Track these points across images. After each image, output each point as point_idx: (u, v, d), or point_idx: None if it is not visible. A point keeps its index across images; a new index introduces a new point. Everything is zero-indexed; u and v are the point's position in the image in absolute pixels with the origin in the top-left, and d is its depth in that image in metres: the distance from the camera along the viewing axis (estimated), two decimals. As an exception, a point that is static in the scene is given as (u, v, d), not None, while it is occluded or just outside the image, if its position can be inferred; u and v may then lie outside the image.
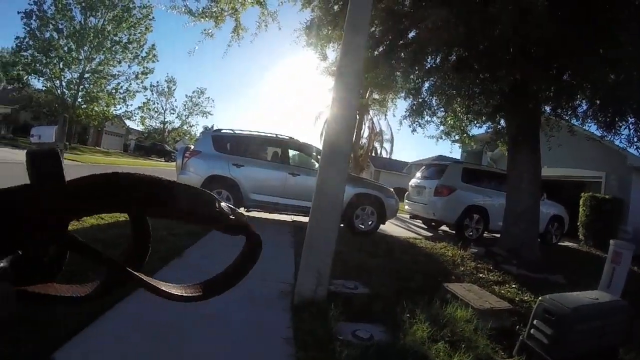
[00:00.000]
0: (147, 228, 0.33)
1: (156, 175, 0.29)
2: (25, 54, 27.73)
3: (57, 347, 2.24)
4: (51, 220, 0.24)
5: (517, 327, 3.67)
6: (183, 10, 7.61)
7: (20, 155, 16.11)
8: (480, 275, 5.51)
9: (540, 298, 3.16)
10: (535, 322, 3.06)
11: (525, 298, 4.62)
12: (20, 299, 0.23)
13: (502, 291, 4.80)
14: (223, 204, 0.32)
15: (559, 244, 10.63)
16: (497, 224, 8.51)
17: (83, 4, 28.19)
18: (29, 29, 27.19)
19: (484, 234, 9.43)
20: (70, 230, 0.26)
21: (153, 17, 31.05)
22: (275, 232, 7.06)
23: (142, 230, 0.33)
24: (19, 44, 27.46)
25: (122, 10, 29.37)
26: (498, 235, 8.30)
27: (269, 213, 8.21)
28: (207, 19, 7.76)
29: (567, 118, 7.54)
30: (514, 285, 5.11)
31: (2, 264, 0.24)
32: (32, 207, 0.23)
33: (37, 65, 27.87)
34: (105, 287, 0.31)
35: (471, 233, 9.15)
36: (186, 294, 0.32)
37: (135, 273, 0.28)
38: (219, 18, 7.80)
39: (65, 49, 28.31)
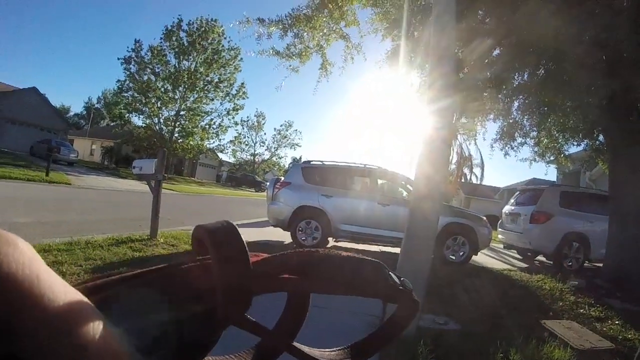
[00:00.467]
0: (307, 304, 0.33)
1: (333, 251, 0.30)
2: (126, 94, 31.70)
3: None
4: (229, 311, 0.23)
5: None
6: (271, 52, 8.10)
7: (121, 183, 18.11)
8: (581, 310, 5.06)
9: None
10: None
11: (629, 336, 4.15)
12: None
13: (605, 328, 4.38)
14: (391, 273, 0.31)
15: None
16: (600, 252, 7.72)
17: (176, 50, 31.40)
18: (128, 72, 30.98)
19: (585, 264, 8.60)
20: None
21: (241, 58, 33.48)
22: None
23: (302, 306, 0.33)
24: (120, 86, 31.49)
25: (212, 52, 32.18)
26: (600, 265, 7.52)
27: (357, 243, 8.24)
28: (294, 57, 8.15)
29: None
30: (617, 322, 4.62)
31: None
32: (212, 295, 0.23)
33: (137, 104, 31.58)
34: (264, 357, 0.32)
35: (570, 263, 8.37)
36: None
37: (297, 346, 0.30)
38: (305, 55, 8.16)
39: (162, 89, 31.79)
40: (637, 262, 6.33)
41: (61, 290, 0.17)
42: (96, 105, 65.33)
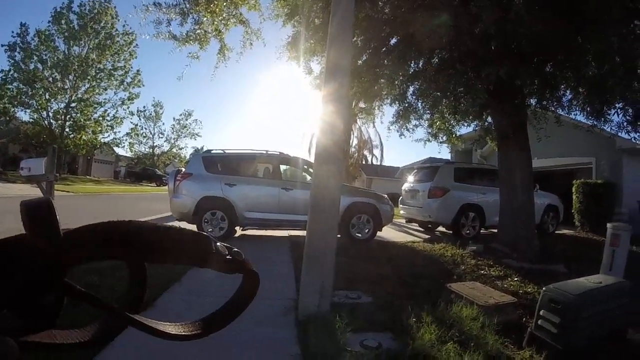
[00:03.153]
0: (144, 273, 0.34)
1: (151, 222, 0.30)
2: (10, 86, 27.86)
3: None
4: (48, 269, 0.24)
5: (524, 319, 3.71)
6: (167, 36, 7.64)
7: (9, 188, 15.96)
8: (482, 272, 5.54)
9: (544, 288, 3.20)
10: (541, 312, 3.10)
11: (529, 290, 4.65)
12: (24, 349, 0.23)
13: (505, 285, 4.83)
14: (219, 244, 0.33)
15: (556, 232, 10.73)
16: (494, 219, 8.58)
17: (66, 34, 28.40)
18: (13, 61, 27.45)
19: (481, 231, 9.48)
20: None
21: (137, 44, 31.20)
22: (273, 248, 7.04)
23: (139, 276, 0.34)
24: (3, 77, 27.64)
25: (105, 37, 29.52)
26: (495, 231, 8.36)
27: (265, 230, 8.22)
28: (191, 42, 7.79)
29: (552, 109, 7.65)
30: (516, 279, 5.14)
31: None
32: (29, 257, 0.24)
33: (23, 97, 28.04)
34: (106, 331, 0.32)
35: (468, 231, 9.20)
36: (185, 333, 0.33)
37: (133, 317, 0.29)
38: (204, 41, 7.84)
39: (50, 79, 28.54)
40: (527, 226, 7.10)
41: None
42: None
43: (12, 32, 29.23)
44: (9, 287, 0.23)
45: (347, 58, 3.95)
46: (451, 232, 9.59)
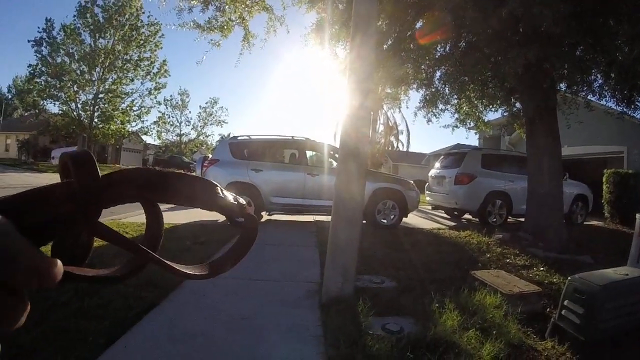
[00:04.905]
0: (160, 216, 0.37)
1: (171, 171, 0.33)
2: (39, 80, 28.49)
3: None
4: (87, 208, 0.28)
5: (548, 309, 3.63)
6: (192, 25, 7.71)
7: (41, 178, 16.63)
8: (507, 260, 5.44)
9: (569, 278, 3.11)
10: (565, 302, 3.02)
11: (554, 280, 4.53)
12: (63, 277, 0.26)
13: (530, 275, 4.73)
14: (225, 191, 0.36)
15: (585, 223, 10.40)
16: (521, 207, 8.38)
17: (91, 27, 28.78)
18: (40, 55, 27.93)
19: (508, 219, 9.30)
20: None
21: (162, 34, 31.53)
22: (299, 233, 7.13)
23: (156, 219, 0.37)
24: (32, 72, 28.30)
25: (130, 29, 29.86)
26: (522, 220, 8.18)
27: (292, 215, 8.29)
28: (215, 31, 7.84)
29: (583, 94, 7.37)
30: (542, 268, 5.02)
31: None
32: (73, 200, 0.27)
33: (52, 90, 28.59)
34: (130, 268, 0.35)
35: (495, 219, 9.06)
36: (196, 273, 0.35)
37: (154, 255, 0.32)
38: (227, 28, 7.88)
39: (78, 72, 29.04)
40: (554, 215, 6.91)
41: None
42: (7, 96, 58.53)
43: (38, 27, 30.32)
44: (55, 223, 0.27)
45: (372, 42, 3.90)
46: (477, 219, 9.45)
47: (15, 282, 0.22)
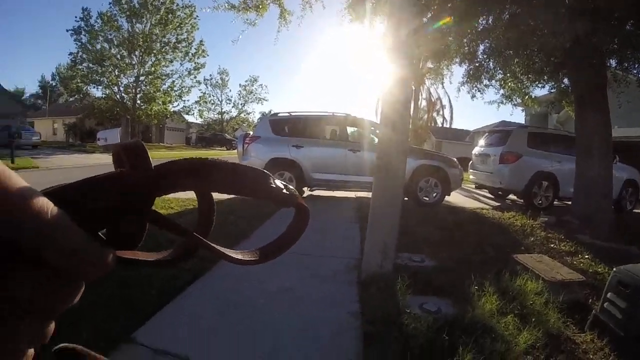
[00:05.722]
0: (212, 204, 0.38)
1: (223, 159, 0.33)
2: (80, 67, 29.91)
3: (138, 327, 2.50)
4: (143, 196, 0.29)
5: (590, 300, 3.45)
6: (226, 7, 7.74)
7: (89, 158, 17.54)
8: (551, 245, 5.22)
9: (614, 269, 2.89)
10: (608, 295, 2.82)
11: (599, 269, 4.28)
12: (115, 261, 0.28)
13: (575, 262, 4.52)
14: (276, 180, 0.36)
15: (634, 210, 9.73)
16: (568, 190, 7.94)
17: (128, 13, 29.67)
18: (80, 43, 29.19)
19: (554, 202, 8.87)
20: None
21: (197, 16, 31.99)
22: (339, 209, 7.21)
23: (208, 205, 0.38)
24: (73, 59, 29.76)
25: (166, 12, 30.52)
26: (569, 203, 7.80)
27: (332, 191, 8.33)
28: (250, 10, 7.83)
29: (635, 72, 6.85)
30: (587, 256, 4.77)
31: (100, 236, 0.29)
32: (125, 190, 0.28)
33: (94, 75, 30.00)
34: (181, 253, 0.36)
35: (540, 201, 8.64)
36: (245, 258, 0.36)
37: (205, 240, 0.33)
38: (262, 7, 7.85)
39: (118, 56, 30.25)
40: (603, 200, 6.53)
41: (21, 181, 0.23)
42: (51, 83, 61.64)
43: (75, 17, 31.19)
44: (108, 212, 0.27)
45: (411, 16, 3.77)
46: (522, 201, 9.08)
47: (71, 271, 0.24)
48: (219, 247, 0.34)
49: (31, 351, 0.26)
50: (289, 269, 3.69)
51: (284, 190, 0.36)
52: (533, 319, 2.80)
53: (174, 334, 2.49)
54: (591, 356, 2.57)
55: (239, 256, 0.35)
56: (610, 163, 6.79)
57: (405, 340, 2.40)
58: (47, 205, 0.23)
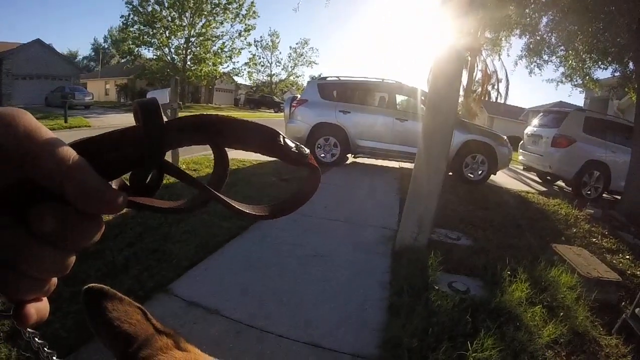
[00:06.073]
0: (226, 158, 0.40)
1: (234, 116, 0.36)
2: (132, 29, 30.51)
3: (174, 279, 2.71)
4: (155, 147, 0.32)
5: (623, 303, 3.33)
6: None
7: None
8: (593, 239, 5.04)
9: (654, 274, 2.82)
10: (641, 301, 2.76)
11: (638, 272, 4.13)
12: (131, 205, 0.32)
13: (614, 261, 4.36)
14: (287, 139, 0.37)
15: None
16: (620, 183, 7.52)
17: None
18: (131, 6, 29.68)
19: (604, 194, 8.46)
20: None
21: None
22: (381, 178, 7.25)
23: (221, 160, 0.39)
24: (124, 22, 30.40)
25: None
26: (619, 197, 7.44)
27: (376, 159, 8.33)
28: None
29: None
30: (627, 256, 4.56)
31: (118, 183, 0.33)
32: (139, 142, 0.31)
33: (145, 37, 30.65)
34: (194, 202, 0.39)
35: (589, 192, 8.24)
36: (257, 213, 0.38)
37: (215, 192, 0.35)
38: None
39: (169, 18, 30.59)
40: None
41: (48, 133, 0.28)
42: (104, 45, 63.58)
43: None
44: (124, 162, 0.32)
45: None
46: (570, 189, 8.72)
47: (86, 208, 0.28)
48: (229, 200, 0.36)
49: (54, 280, 0.31)
50: (325, 234, 3.81)
51: (294, 149, 0.37)
52: (561, 314, 2.77)
53: (207, 288, 2.69)
54: (613, 361, 2.53)
55: (249, 210, 0.38)
56: (669, 160, 6.35)
57: (428, 316, 2.45)
58: (70, 152, 0.27)
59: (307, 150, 0.38)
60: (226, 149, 0.38)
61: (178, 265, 2.87)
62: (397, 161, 8.23)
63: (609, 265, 3.91)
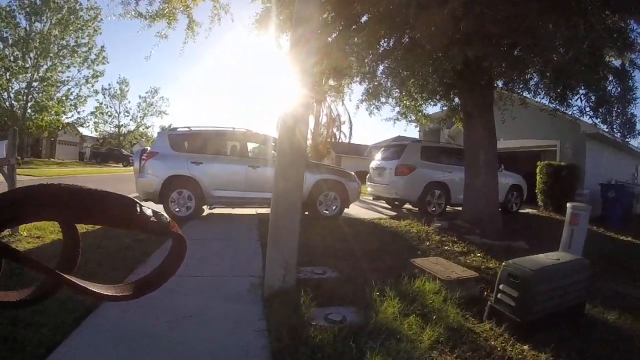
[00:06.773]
0: (76, 235, 0.35)
1: (78, 185, 0.30)
2: None
3: None
4: None
5: (485, 293, 3.87)
6: (133, 14, 7.34)
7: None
8: (446, 247, 5.69)
9: (504, 263, 3.33)
10: (501, 286, 3.23)
11: (491, 265, 4.81)
12: None
13: (468, 261, 4.99)
14: (145, 208, 0.33)
15: (520, 211, 11.11)
16: (459, 197, 8.82)
17: (27, 9, 26.80)
18: None
19: (447, 208, 9.74)
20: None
21: (102, 19, 29.78)
22: (241, 226, 7.06)
23: (72, 237, 0.35)
24: None
25: (69, 12, 27.99)
26: (460, 208, 8.60)
27: (233, 208, 8.19)
28: (159, 19, 7.52)
29: (519, 92, 7.80)
30: (478, 255, 5.31)
31: None
32: None
33: None
34: (41, 291, 0.33)
35: (434, 208, 9.46)
36: (116, 294, 0.33)
37: (66, 276, 0.29)
38: (172, 18, 7.58)
39: (11, 58, 26.92)
40: (490, 204, 7.33)
41: None
42: None
43: None
44: None
45: (313, 36, 3.90)
46: (417, 209, 9.81)
47: None
48: (84, 283, 0.31)
49: None
50: (191, 291, 3.54)
51: (153, 218, 0.33)
52: (434, 317, 3.02)
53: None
54: (492, 342, 2.86)
55: (109, 292, 0.33)
56: (496, 171, 7.65)
57: (313, 353, 2.42)
58: None
59: (168, 218, 0.35)
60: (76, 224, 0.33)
61: (34, 355, 2.35)
62: (254, 208, 8.22)
63: (465, 265, 4.46)
